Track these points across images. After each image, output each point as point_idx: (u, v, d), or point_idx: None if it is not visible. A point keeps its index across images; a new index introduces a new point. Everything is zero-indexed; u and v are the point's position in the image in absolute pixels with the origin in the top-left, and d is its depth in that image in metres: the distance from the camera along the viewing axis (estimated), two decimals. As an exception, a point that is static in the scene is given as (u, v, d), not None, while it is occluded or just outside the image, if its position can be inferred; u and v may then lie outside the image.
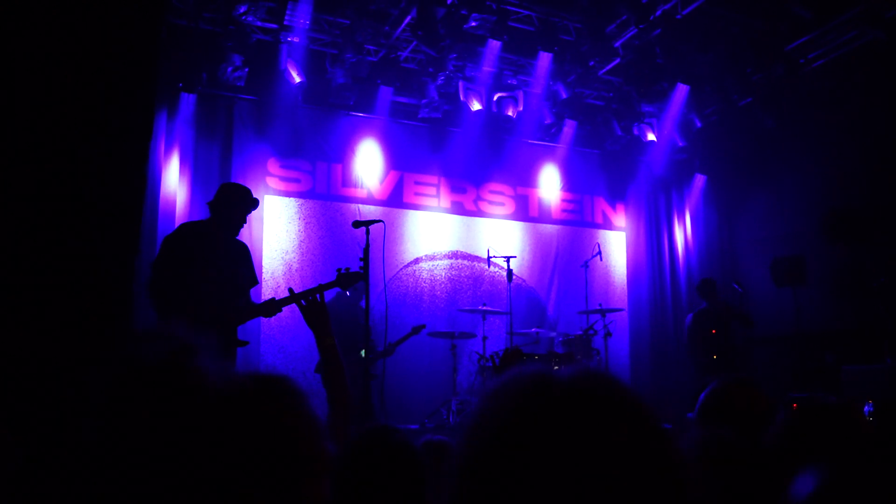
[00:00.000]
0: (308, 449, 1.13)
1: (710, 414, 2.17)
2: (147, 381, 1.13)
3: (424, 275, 9.37)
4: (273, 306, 5.19)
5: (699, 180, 10.93)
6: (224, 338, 5.05)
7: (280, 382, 1.19)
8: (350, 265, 5.91)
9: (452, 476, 0.85)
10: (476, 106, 8.94)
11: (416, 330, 7.59)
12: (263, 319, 8.03)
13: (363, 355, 6.14)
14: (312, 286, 5.43)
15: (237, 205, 5.25)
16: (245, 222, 5.37)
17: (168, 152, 8.05)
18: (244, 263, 5.35)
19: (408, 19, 7.90)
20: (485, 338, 8.20)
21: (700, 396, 2.24)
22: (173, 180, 8.02)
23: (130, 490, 1.06)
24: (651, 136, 9.94)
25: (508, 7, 8.16)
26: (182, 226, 5.58)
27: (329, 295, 7.07)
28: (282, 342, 8.32)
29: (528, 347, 8.58)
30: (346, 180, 9.14)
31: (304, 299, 2.94)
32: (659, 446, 0.81)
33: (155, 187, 7.75)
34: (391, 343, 7.26)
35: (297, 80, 8.12)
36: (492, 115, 9.25)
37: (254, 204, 5.36)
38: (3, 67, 2.31)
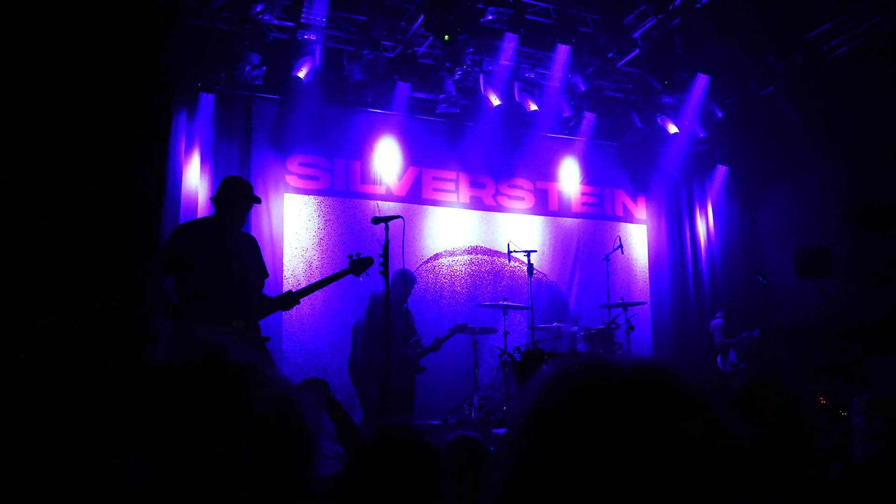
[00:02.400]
0: (313, 434, 1.25)
1: (738, 409, 2.15)
2: (195, 384, 1.17)
3: (444, 270, 9.36)
4: (290, 299, 5.16)
5: (720, 171, 10.84)
6: (248, 333, 5.01)
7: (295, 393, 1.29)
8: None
9: (502, 465, 0.84)
10: (496, 101, 8.91)
11: (460, 329, 7.72)
12: (285, 317, 8.08)
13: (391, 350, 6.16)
14: (329, 274, 5.43)
15: (238, 198, 5.13)
16: (248, 216, 5.30)
17: (188, 152, 8.09)
18: (252, 256, 5.25)
19: (424, 14, 7.87)
20: (506, 333, 8.16)
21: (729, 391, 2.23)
22: (194, 179, 8.06)
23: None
24: (671, 128, 9.86)
25: (524, 0, 8.12)
26: (183, 224, 5.44)
27: (374, 288, 7.15)
28: (303, 339, 8.35)
29: (549, 343, 8.54)
30: (365, 177, 9.15)
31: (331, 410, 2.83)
32: (724, 439, 0.80)
33: (176, 187, 7.80)
34: (438, 339, 7.52)
35: (302, 76, 8.12)
36: (510, 109, 9.21)
37: (255, 199, 5.24)
38: (18, 69, 2.32)
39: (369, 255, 5.42)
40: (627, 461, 0.75)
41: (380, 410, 6.91)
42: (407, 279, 7.49)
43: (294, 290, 5.21)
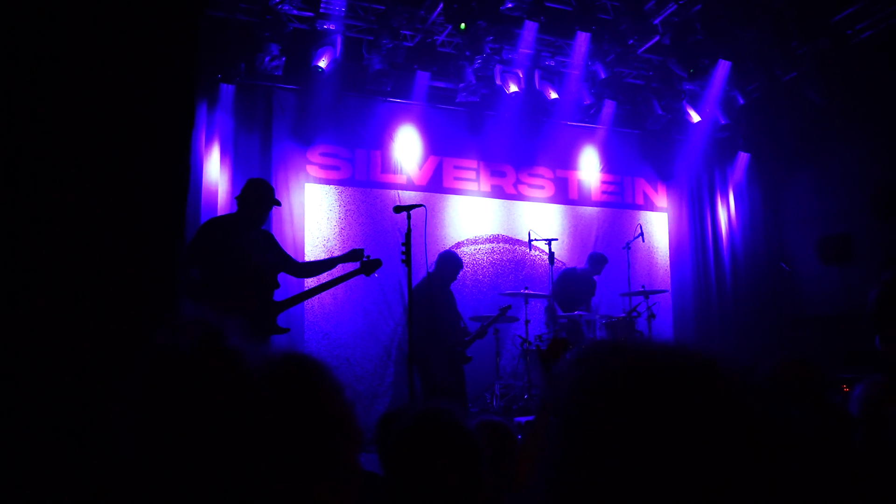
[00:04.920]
0: (342, 416, 1.17)
1: (766, 393, 2.15)
2: (184, 368, 1.08)
3: (466, 259, 9.33)
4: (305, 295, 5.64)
5: (742, 158, 10.74)
6: (261, 326, 5.21)
7: (304, 358, 1.22)
8: (391, 251, 6.05)
9: (552, 441, 0.85)
10: (513, 88, 8.87)
11: (503, 311, 7.82)
12: (307, 307, 8.13)
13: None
14: (345, 273, 5.68)
15: (263, 200, 5.48)
16: (268, 217, 5.67)
17: (209, 143, 8.13)
18: (272, 251, 5.59)
19: (444, 2, 7.84)
20: (527, 321, 8.17)
21: (754, 377, 2.21)
22: (214, 171, 8.10)
23: (174, 482, 1.02)
24: (692, 115, 9.78)
25: (545, -13, 8.07)
26: (210, 220, 5.75)
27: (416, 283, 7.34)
28: (325, 329, 8.39)
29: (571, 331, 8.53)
30: (386, 166, 9.15)
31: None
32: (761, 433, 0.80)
33: (197, 179, 7.84)
34: (484, 325, 7.69)
35: (322, 66, 8.14)
36: (530, 97, 9.18)
37: (275, 202, 5.61)
38: (44, 62, 2.34)
39: (378, 258, 5.74)
40: (667, 446, 0.75)
41: (426, 396, 7.08)
42: (452, 262, 7.57)
43: (305, 290, 5.70)
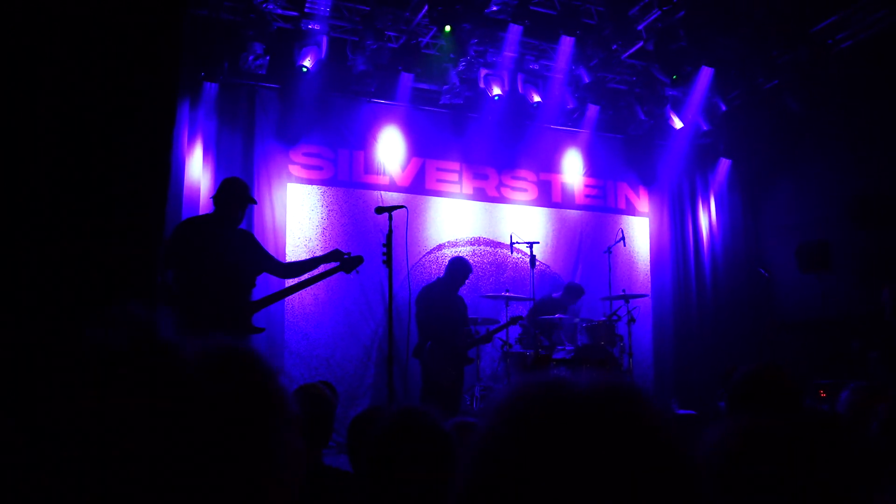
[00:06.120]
0: (280, 401, 1.15)
1: (741, 399, 2.17)
2: (113, 364, 1.05)
3: (445, 262, 9.36)
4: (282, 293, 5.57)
5: (724, 165, 10.82)
6: (236, 326, 5.19)
7: (239, 347, 1.21)
8: (373, 252, 6.06)
9: (458, 478, 0.85)
10: (496, 91, 8.90)
11: (514, 320, 7.85)
12: (287, 307, 8.11)
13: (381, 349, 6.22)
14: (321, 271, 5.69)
15: (238, 199, 5.44)
16: (243, 215, 5.58)
17: (191, 142, 8.09)
18: (250, 251, 5.55)
19: (429, 5, 7.85)
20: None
21: (730, 382, 2.24)
22: (197, 169, 8.06)
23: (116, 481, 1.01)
24: (675, 121, 9.85)
25: (530, -9, 8.10)
26: (183, 222, 5.74)
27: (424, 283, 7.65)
28: (305, 329, 8.37)
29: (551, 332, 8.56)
30: (369, 167, 9.15)
31: None
32: (673, 470, 0.80)
33: (179, 177, 7.79)
34: (490, 330, 7.72)
35: (308, 65, 8.14)
36: (514, 100, 9.21)
37: (251, 200, 5.61)
38: (27, 60, 2.33)
39: (360, 255, 5.67)
40: (569, 489, 0.75)
41: (425, 394, 7.14)
42: (461, 268, 7.62)
43: (281, 289, 5.61)
